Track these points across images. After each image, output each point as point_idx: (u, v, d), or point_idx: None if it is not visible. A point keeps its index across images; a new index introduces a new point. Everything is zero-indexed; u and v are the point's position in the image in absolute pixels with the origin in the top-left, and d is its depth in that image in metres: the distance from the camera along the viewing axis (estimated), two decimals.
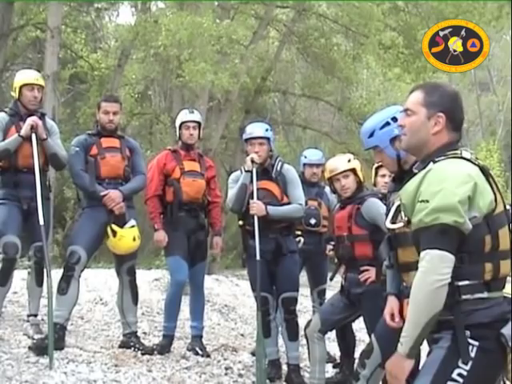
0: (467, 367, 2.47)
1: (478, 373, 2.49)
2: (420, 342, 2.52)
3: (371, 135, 3.88)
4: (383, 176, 5.59)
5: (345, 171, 5.09)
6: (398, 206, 2.79)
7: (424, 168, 2.65)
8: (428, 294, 2.44)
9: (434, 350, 2.59)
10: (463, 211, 2.47)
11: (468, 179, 2.53)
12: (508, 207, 2.71)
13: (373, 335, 4.37)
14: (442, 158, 2.63)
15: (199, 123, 6.24)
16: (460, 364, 2.48)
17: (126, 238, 5.63)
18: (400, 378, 2.54)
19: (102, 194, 5.59)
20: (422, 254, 2.49)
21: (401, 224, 2.74)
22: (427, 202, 2.51)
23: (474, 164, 2.62)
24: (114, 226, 5.59)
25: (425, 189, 2.55)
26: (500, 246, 2.58)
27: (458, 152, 2.66)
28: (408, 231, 2.69)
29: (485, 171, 2.62)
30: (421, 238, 2.53)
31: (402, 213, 2.72)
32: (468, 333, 2.50)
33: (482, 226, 2.53)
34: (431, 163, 2.63)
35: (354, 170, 5.11)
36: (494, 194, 2.60)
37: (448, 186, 2.49)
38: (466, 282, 2.52)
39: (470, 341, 2.49)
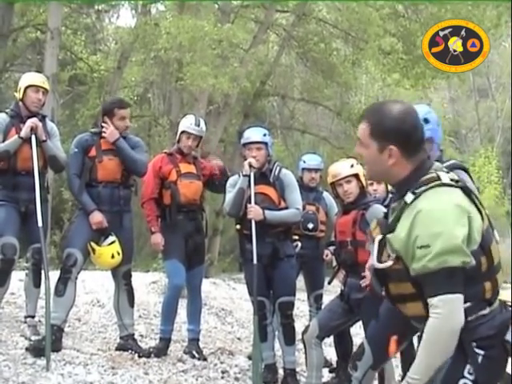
0: (472, 377, 2.48)
1: (484, 380, 2.50)
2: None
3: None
4: (371, 184, 5.62)
5: (348, 176, 5.09)
6: (381, 241, 2.61)
7: (401, 198, 2.54)
8: (448, 339, 2.40)
9: None
10: (467, 250, 2.40)
11: (462, 214, 2.42)
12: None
13: (364, 337, 4.37)
14: (422, 188, 2.48)
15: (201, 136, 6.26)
16: (466, 374, 2.48)
17: (104, 255, 5.60)
18: None
19: (88, 212, 5.60)
20: (435, 300, 2.40)
21: (390, 263, 2.56)
22: (428, 246, 2.39)
23: (456, 187, 2.51)
24: (93, 244, 5.56)
25: (421, 233, 2.42)
26: (494, 261, 2.54)
27: (435, 176, 2.52)
28: (399, 268, 2.54)
29: (466, 192, 2.51)
30: (427, 283, 2.43)
31: (389, 249, 2.57)
32: (474, 344, 2.49)
33: (477, 250, 2.47)
34: (410, 194, 2.50)
35: (356, 175, 5.12)
36: (480, 212, 2.52)
37: (446, 227, 2.39)
38: (469, 304, 2.48)
39: (476, 350, 2.49)
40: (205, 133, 6.37)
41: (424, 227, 2.42)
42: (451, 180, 2.53)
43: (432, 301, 2.41)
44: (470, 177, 4.11)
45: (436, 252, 2.38)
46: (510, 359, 2.58)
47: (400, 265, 2.53)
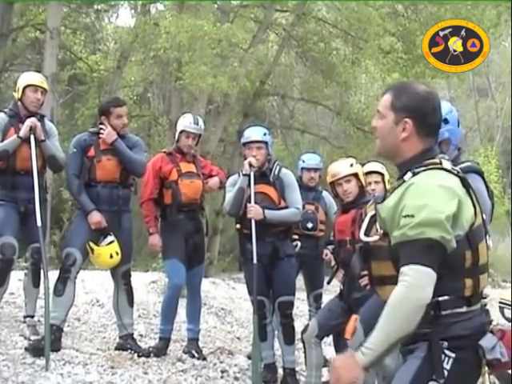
0: (441, 380, 2.41)
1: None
2: (382, 358, 2.40)
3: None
4: (370, 184, 5.62)
5: (347, 176, 5.10)
6: (372, 217, 2.63)
7: (402, 177, 2.55)
8: (410, 310, 2.33)
9: (408, 360, 2.51)
10: (449, 227, 2.37)
11: (453, 195, 2.42)
12: (484, 216, 2.61)
13: (358, 317, 4.37)
14: (422, 168, 2.51)
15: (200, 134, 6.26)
16: (434, 376, 2.41)
17: (102, 255, 5.60)
18: (344, 383, 2.37)
19: (87, 212, 5.61)
20: (405, 268, 2.35)
21: (376, 237, 2.56)
22: (412, 216, 2.37)
23: (455, 175, 2.52)
24: (92, 244, 5.57)
25: (408, 203, 2.42)
26: (480, 261, 2.50)
27: (437, 161, 2.54)
28: (383, 245, 2.53)
29: (465, 183, 2.52)
30: (403, 251, 2.40)
31: (378, 225, 2.58)
32: (446, 344, 2.43)
33: (462, 241, 2.43)
34: (409, 173, 2.51)
35: (356, 175, 5.13)
36: (474, 206, 2.51)
37: (434, 202, 2.38)
38: (446, 298, 2.44)
39: (447, 352, 2.43)
40: (203, 131, 6.37)
41: (412, 198, 2.42)
42: (453, 169, 2.55)
43: (403, 269, 2.37)
44: (485, 181, 4.06)
45: (417, 222, 2.36)
46: (483, 367, 2.49)
47: (385, 241, 2.52)
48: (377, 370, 2.86)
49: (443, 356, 2.43)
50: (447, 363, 2.42)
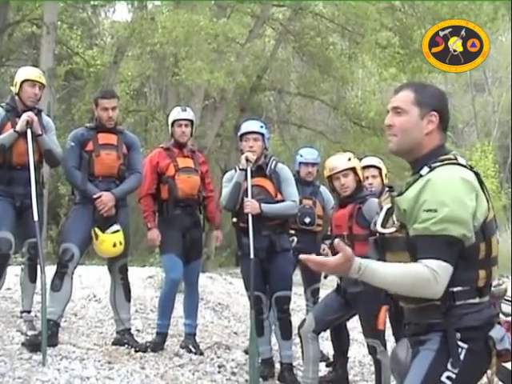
0: (456, 370, 2.47)
1: (466, 375, 2.50)
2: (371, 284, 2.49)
3: None
4: (367, 178, 5.63)
5: (345, 170, 5.09)
6: (389, 209, 2.69)
7: (418, 172, 2.60)
8: (422, 293, 2.44)
9: (421, 352, 2.57)
10: (471, 225, 2.46)
11: (471, 189, 2.50)
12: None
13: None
14: (438, 163, 2.58)
15: (191, 121, 6.24)
16: (449, 367, 2.48)
17: (106, 242, 5.57)
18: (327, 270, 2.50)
19: (95, 196, 5.58)
20: (431, 262, 2.41)
21: (393, 229, 2.62)
22: (435, 211, 2.44)
23: (470, 170, 2.59)
24: (97, 230, 5.55)
25: (430, 198, 2.48)
26: (492, 253, 2.58)
27: (452, 157, 2.62)
28: (400, 236, 2.60)
29: (479, 178, 2.59)
30: (424, 244, 2.46)
31: (394, 217, 2.64)
32: (458, 335, 2.50)
33: (477, 233, 2.50)
34: (425, 168, 2.57)
35: (353, 169, 5.12)
36: (487, 201, 2.58)
37: (457, 198, 2.45)
38: (460, 288, 2.51)
39: (460, 343, 2.49)
40: (194, 119, 6.37)
41: (433, 194, 2.48)
42: (468, 165, 2.62)
43: (427, 262, 2.43)
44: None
45: (442, 217, 2.43)
46: (493, 358, 2.55)
47: (402, 233, 2.58)
48: (392, 366, 2.91)
49: (456, 347, 2.49)
50: (460, 354, 2.49)
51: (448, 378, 2.48)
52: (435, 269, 2.40)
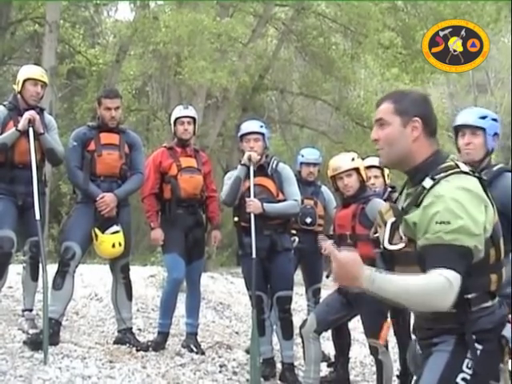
0: (471, 371, 2.48)
1: (481, 376, 2.50)
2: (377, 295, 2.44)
3: (484, 118, 4.05)
4: (369, 178, 5.62)
5: (348, 170, 5.09)
6: (393, 224, 2.63)
7: (419, 183, 2.56)
8: (432, 305, 2.38)
9: (435, 353, 2.56)
10: (483, 238, 2.45)
11: (480, 201, 2.48)
12: None
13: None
14: (442, 174, 2.52)
15: (194, 118, 6.23)
16: (464, 368, 2.48)
17: (105, 243, 5.58)
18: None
19: (98, 198, 5.58)
20: (443, 271, 2.37)
21: (402, 245, 2.58)
22: (448, 223, 2.40)
23: (473, 176, 2.56)
24: (97, 230, 5.56)
25: (442, 210, 2.43)
26: (501, 256, 2.58)
27: (453, 164, 2.57)
28: (410, 251, 2.55)
29: (482, 182, 2.57)
30: (436, 253, 2.41)
31: (401, 232, 2.59)
32: (473, 337, 2.50)
33: (487, 241, 2.49)
34: (428, 180, 2.53)
35: (357, 169, 5.12)
36: (492, 205, 2.56)
37: (469, 212, 2.42)
38: (474, 295, 2.50)
39: (476, 345, 2.49)
40: (197, 116, 6.37)
41: (445, 207, 2.44)
42: (470, 171, 2.59)
43: (441, 271, 2.37)
44: None
45: (455, 228, 2.40)
46: (506, 356, 2.58)
47: (411, 247, 2.54)
48: (411, 368, 2.90)
49: (473, 348, 2.49)
50: (476, 355, 2.49)
51: (463, 379, 2.47)
52: (450, 278, 2.36)
